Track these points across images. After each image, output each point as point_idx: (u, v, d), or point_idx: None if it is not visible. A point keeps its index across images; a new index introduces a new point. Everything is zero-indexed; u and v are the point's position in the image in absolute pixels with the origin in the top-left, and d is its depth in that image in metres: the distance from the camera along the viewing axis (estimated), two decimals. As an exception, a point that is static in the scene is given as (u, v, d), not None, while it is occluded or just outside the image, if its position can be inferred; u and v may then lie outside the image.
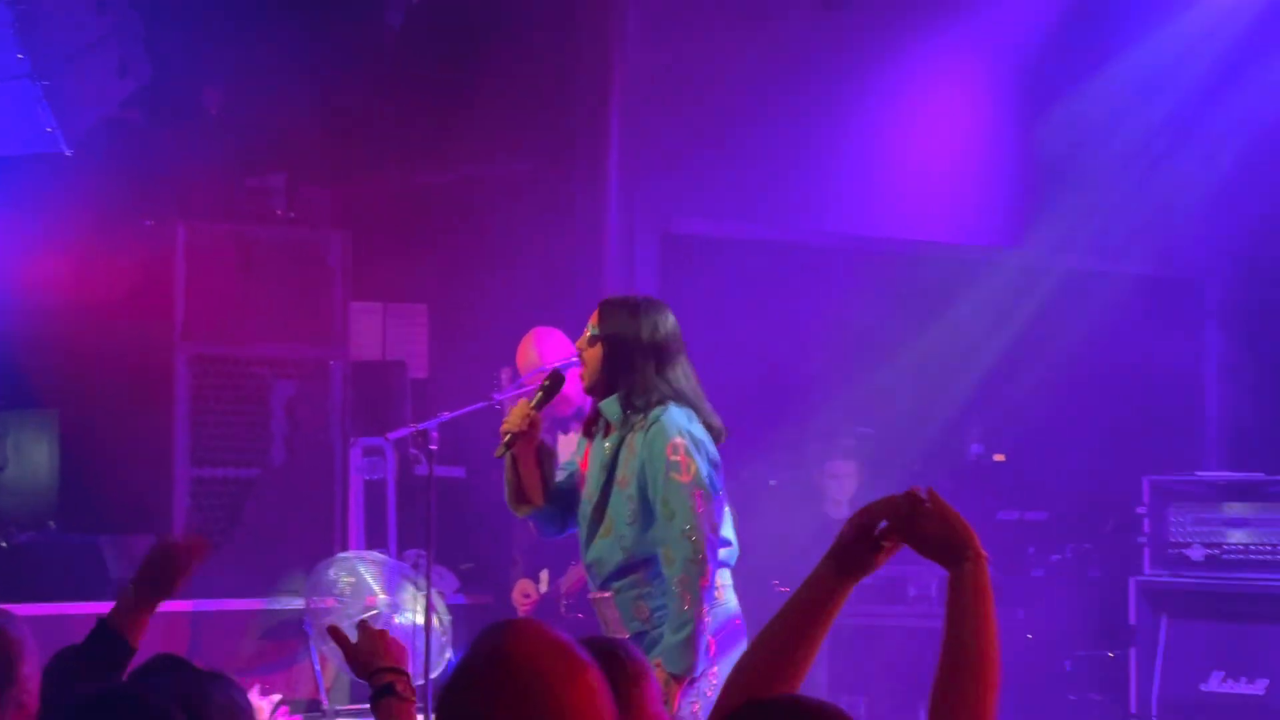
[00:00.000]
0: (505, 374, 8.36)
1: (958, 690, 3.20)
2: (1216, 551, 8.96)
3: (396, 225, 9.95)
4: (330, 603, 7.97)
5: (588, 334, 6.00)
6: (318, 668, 8.20)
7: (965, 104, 10.49)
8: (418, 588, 7.72)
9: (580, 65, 9.34)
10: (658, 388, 5.91)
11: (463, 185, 9.94)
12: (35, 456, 8.65)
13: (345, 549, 8.54)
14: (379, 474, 8.76)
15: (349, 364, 8.98)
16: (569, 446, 6.75)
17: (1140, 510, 9.17)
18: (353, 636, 3.92)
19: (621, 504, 5.91)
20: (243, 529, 8.67)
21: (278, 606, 8.44)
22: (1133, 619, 9.07)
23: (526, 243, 9.42)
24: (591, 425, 6.10)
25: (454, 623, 8.00)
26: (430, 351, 9.85)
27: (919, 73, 10.19)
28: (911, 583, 9.26)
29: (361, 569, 8.04)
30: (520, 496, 6.09)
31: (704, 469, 5.80)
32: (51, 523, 8.55)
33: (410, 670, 3.84)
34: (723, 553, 5.88)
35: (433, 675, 7.09)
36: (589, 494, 6.02)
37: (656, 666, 5.53)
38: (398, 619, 7.88)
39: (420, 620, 7.43)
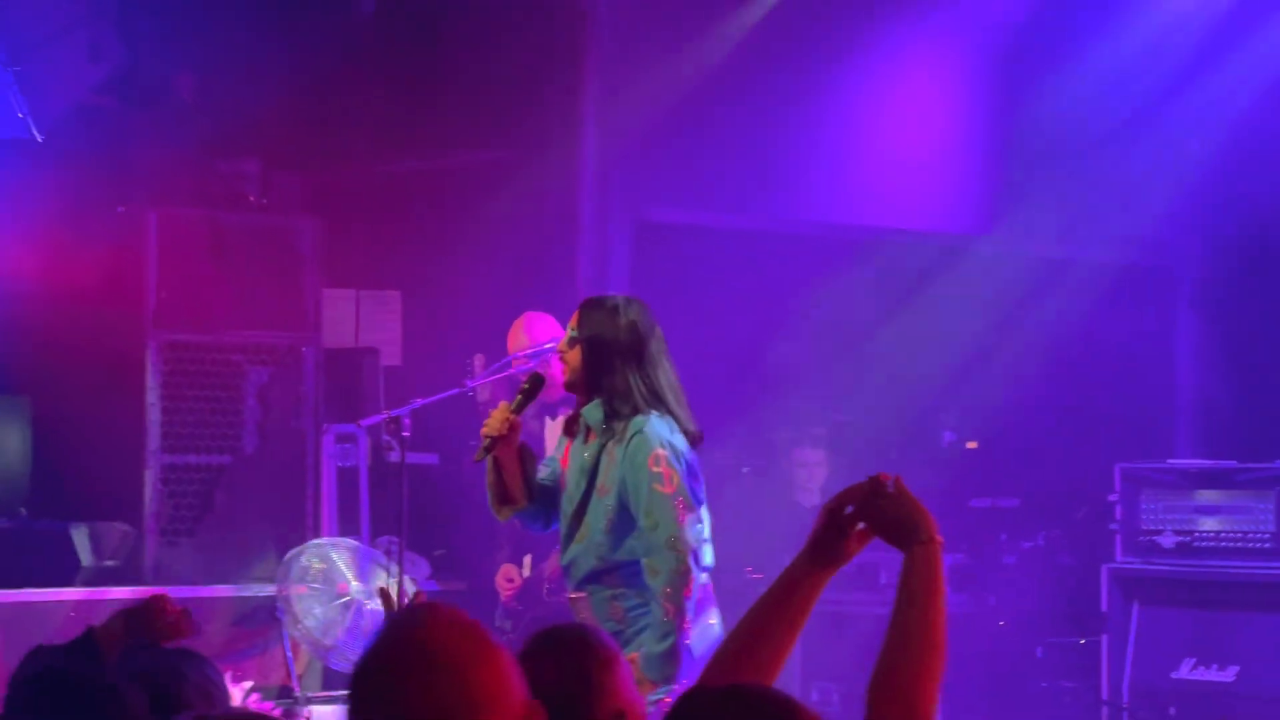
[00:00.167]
0: (478, 361, 8.36)
1: (899, 670, 3.19)
2: (1188, 539, 8.99)
3: (370, 212, 9.94)
4: (303, 589, 7.96)
5: (568, 335, 6.01)
6: (289, 654, 8.19)
7: (939, 92, 10.50)
8: (390, 574, 7.71)
9: (554, 52, 9.33)
10: (639, 392, 5.92)
11: (436, 172, 9.93)
12: (6, 443, 8.62)
13: (318, 535, 8.52)
14: (351, 461, 8.75)
15: (321, 350, 8.96)
16: (557, 432, 6.76)
17: (1112, 497, 9.20)
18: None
19: (599, 511, 5.95)
20: (215, 515, 8.65)
21: (250, 593, 8.43)
22: (1104, 606, 9.10)
23: (500, 230, 9.41)
24: (572, 424, 6.12)
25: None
26: (403, 338, 9.84)
27: (893, 61, 10.20)
28: (883, 569, 9.27)
29: (334, 555, 8.03)
30: (503, 498, 6.10)
31: (686, 480, 5.84)
32: (23, 509, 8.52)
33: None
34: (703, 577, 5.91)
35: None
36: (569, 495, 6.05)
37: (632, 662, 5.56)
38: (370, 605, 7.88)
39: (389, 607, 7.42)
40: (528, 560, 8.02)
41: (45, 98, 8.18)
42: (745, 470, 10.02)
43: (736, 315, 10.22)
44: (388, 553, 8.04)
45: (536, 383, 6.12)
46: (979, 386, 10.74)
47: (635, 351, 5.95)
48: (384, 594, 4.13)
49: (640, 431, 5.86)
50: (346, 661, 7.78)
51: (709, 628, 5.92)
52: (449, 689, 2.53)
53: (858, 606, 8.98)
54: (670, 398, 5.97)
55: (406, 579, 7.09)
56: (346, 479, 8.76)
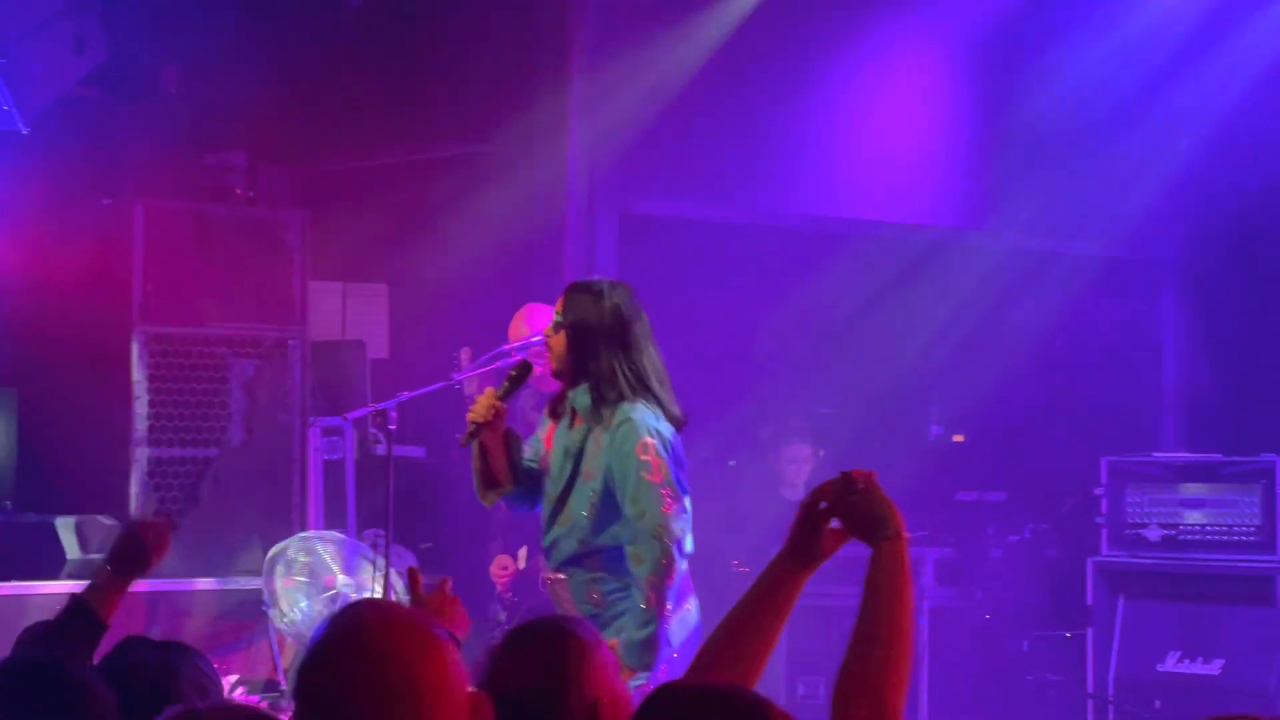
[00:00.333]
0: (465, 354, 8.35)
1: (866, 667, 3.20)
2: (1173, 532, 9.01)
3: (356, 205, 9.92)
4: (289, 582, 7.96)
5: (553, 320, 6.03)
6: (275, 648, 8.18)
7: (925, 86, 10.50)
8: (376, 567, 7.71)
9: (541, 45, 9.32)
10: (624, 377, 5.95)
11: (423, 165, 9.92)
12: (-8, 436, 8.61)
13: (304, 529, 8.52)
14: (338, 454, 8.74)
15: (308, 343, 8.95)
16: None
17: (1098, 491, 9.22)
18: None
19: (583, 496, 5.98)
20: (201, 508, 8.64)
21: (236, 586, 8.42)
22: (1090, 599, 9.11)
23: (487, 223, 9.40)
24: (557, 406, 6.14)
25: (413, 602, 7.97)
26: (390, 331, 9.83)
27: (880, 54, 10.20)
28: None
29: (320, 549, 8.03)
30: (488, 483, 6.13)
31: (672, 469, 5.88)
32: (8, 502, 8.51)
33: None
34: (683, 564, 5.93)
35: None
36: (553, 478, 6.09)
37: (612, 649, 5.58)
38: (355, 599, 7.87)
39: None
40: (523, 552, 8.02)
41: (30, 90, 8.15)
42: (731, 464, 10.03)
43: (723, 308, 10.22)
44: (374, 546, 8.03)
45: (524, 370, 6.15)
46: (965, 380, 10.75)
47: (620, 336, 5.98)
48: (412, 574, 4.16)
49: (628, 419, 5.89)
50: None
51: (687, 614, 5.96)
52: (391, 681, 2.57)
53: (843, 600, 8.94)
54: (655, 382, 6.00)
55: (393, 572, 7.09)
56: (333, 472, 8.75)
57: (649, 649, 5.76)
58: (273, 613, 7.98)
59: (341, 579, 7.97)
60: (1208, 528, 8.93)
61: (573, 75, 9.24)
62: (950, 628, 9.57)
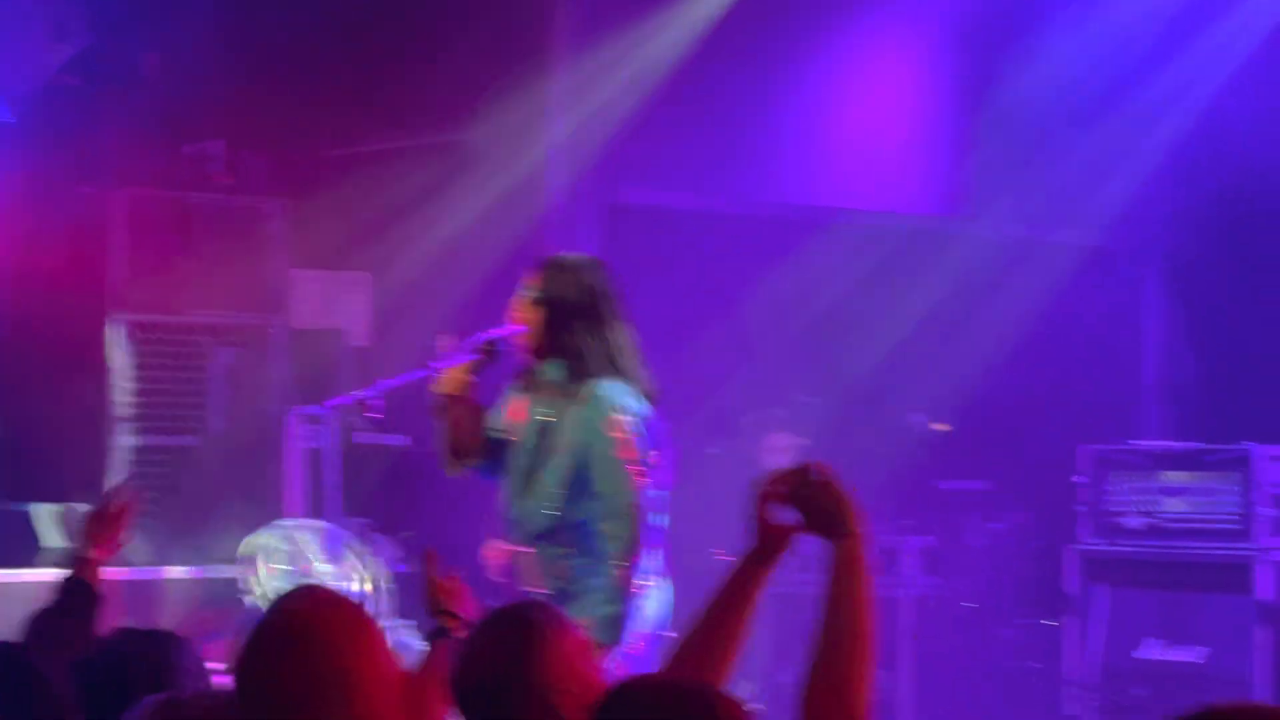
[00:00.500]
0: (445, 341, 8.33)
1: (831, 668, 3.20)
2: (1154, 520, 9.02)
3: (337, 193, 9.90)
4: (269, 570, 7.94)
5: (526, 295, 6.05)
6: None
7: (908, 74, 10.51)
8: (358, 556, 7.70)
9: (522, 33, 9.31)
10: (597, 353, 5.98)
11: (404, 153, 9.90)
12: (-29, 424, 8.59)
13: (285, 517, 8.51)
14: (319, 442, 8.73)
15: (289, 331, 8.94)
16: None
17: (1078, 479, 9.22)
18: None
19: (553, 471, 6.03)
20: (181, 497, 8.63)
21: (216, 574, 8.41)
22: (1070, 587, 9.13)
23: (468, 211, 9.39)
24: (527, 379, 6.17)
25: (395, 591, 7.98)
26: (371, 319, 9.82)
27: (863, 43, 10.21)
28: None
29: (300, 537, 8.02)
30: (455, 453, 6.19)
31: (644, 447, 5.92)
32: (-12, 490, 8.50)
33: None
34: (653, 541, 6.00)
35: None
36: (520, 451, 6.12)
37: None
38: (336, 587, 7.87)
39: (359, 588, 7.42)
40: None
41: (9, 78, 8.13)
42: (712, 452, 10.03)
43: (704, 296, 10.22)
44: (355, 534, 8.03)
45: (495, 345, 6.19)
46: (948, 368, 10.76)
47: (593, 312, 6.03)
48: (429, 556, 4.20)
49: (600, 396, 5.95)
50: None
51: (661, 591, 6.02)
52: (324, 666, 2.62)
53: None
54: (628, 359, 6.05)
55: (375, 560, 7.09)
56: (313, 460, 8.74)
57: (618, 624, 5.83)
58: (251, 600, 7.97)
59: (321, 567, 7.96)
60: (1187, 516, 8.94)
61: (554, 64, 9.23)
62: (932, 616, 9.59)
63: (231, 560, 8.33)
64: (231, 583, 8.23)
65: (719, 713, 2.97)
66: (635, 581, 5.86)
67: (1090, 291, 10.87)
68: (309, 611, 2.65)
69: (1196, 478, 8.95)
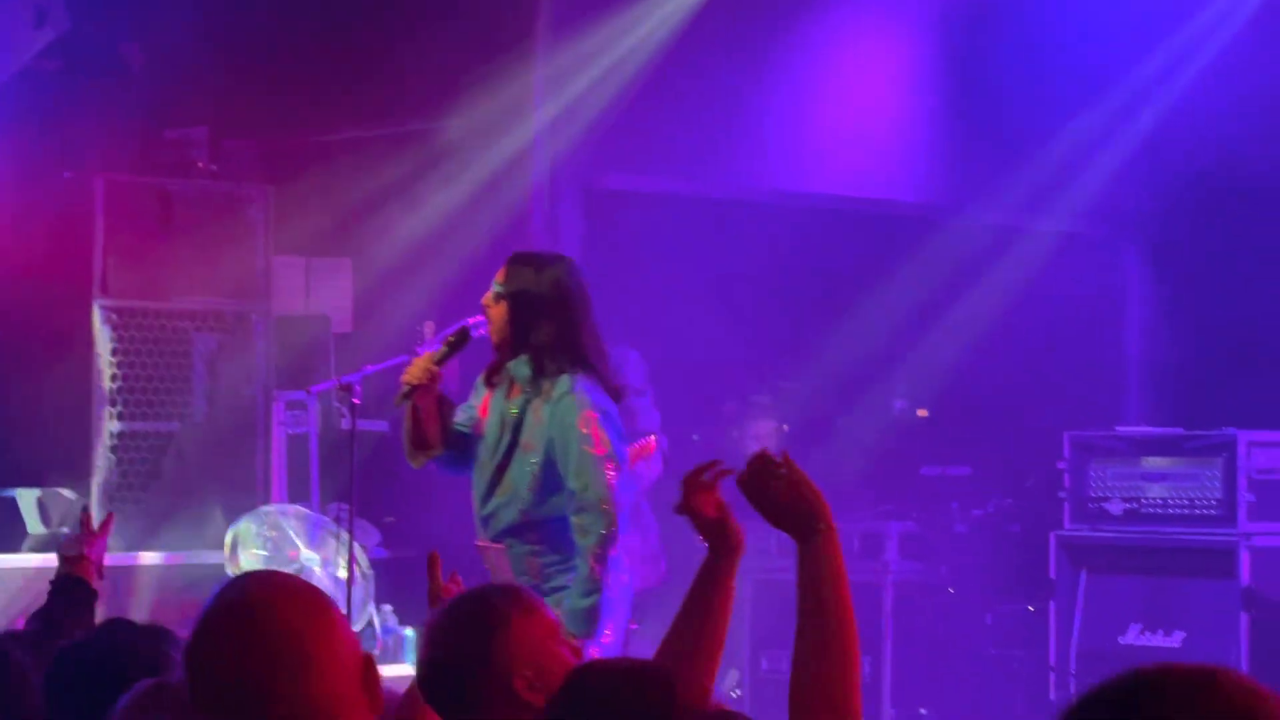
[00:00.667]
0: (428, 327, 8.34)
1: (820, 674, 3.16)
2: (1135, 506, 9.04)
3: (320, 179, 9.89)
4: (253, 556, 7.94)
5: (494, 291, 6.08)
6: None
7: (891, 60, 10.51)
8: (340, 542, 7.70)
9: (504, 19, 9.30)
10: (564, 349, 6.02)
11: (387, 139, 9.89)
12: (-46, 411, 8.58)
13: (268, 503, 8.50)
14: (302, 428, 8.73)
15: (271, 318, 8.93)
16: None
17: (1061, 465, 9.24)
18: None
19: (523, 467, 6.06)
20: (164, 483, 8.62)
21: (199, 560, 8.40)
22: (1053, 573, 9.14)
23: (450, 198, 9.38)
24: (494, 375, 6.18)
25: (376, 577, 7.99)
26: (354, 305, 9.81)
27: (846, 28, 10.20)
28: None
29: (284, 523, 8.02)
30: (419, 444, 6.21)
31: (615, 441, 5.96)
32: (-31, 477, 8.49)
33: None
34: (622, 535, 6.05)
35: (355, 630, 7.07)
36: (489, 446, 6.14)
37: None
38: (319, 573, 7.87)
39: (342, 574, 7.42)
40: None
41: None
42: (695, 438, 10.04)
43: (687, 282, 10.22)
44: (338, 520, 8.03)
45: (462, 336, 6.21)
46: (930, 354, 10.77)
47: (560, 308, 6.05)
48: (432, 559, 4.21)
49: (569, 392, 5.98)
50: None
51: (628, 586, 6.08)
52: (278, 649, 2.57)
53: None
54: (594, 355, 6.09)
55: (357, 546, 7.10)
56: (296, 446, 8.74)
57: (592, 617, 5.87)
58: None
59: (305, 553, 7.96)
60: (1170, 501, 8.95)
61: (537, 50, 9.22)
62: (914, 601, 9.60)
63: (214, 546, 8.34)
64: (214, 568, 8.23)
65: (676, 695, 2.97)
66: (609, 574, 5.91)
67: (1072, 277, 10.88)
68: (260, 594, 2.62)
69: (1178, 463, 8.96)
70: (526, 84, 9.24)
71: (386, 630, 7.98)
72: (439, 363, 6.13)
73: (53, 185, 8.69)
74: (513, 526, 6.07)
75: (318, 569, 7.90)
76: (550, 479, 6.00)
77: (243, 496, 8.62)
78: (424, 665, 3.45)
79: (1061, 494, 9.20)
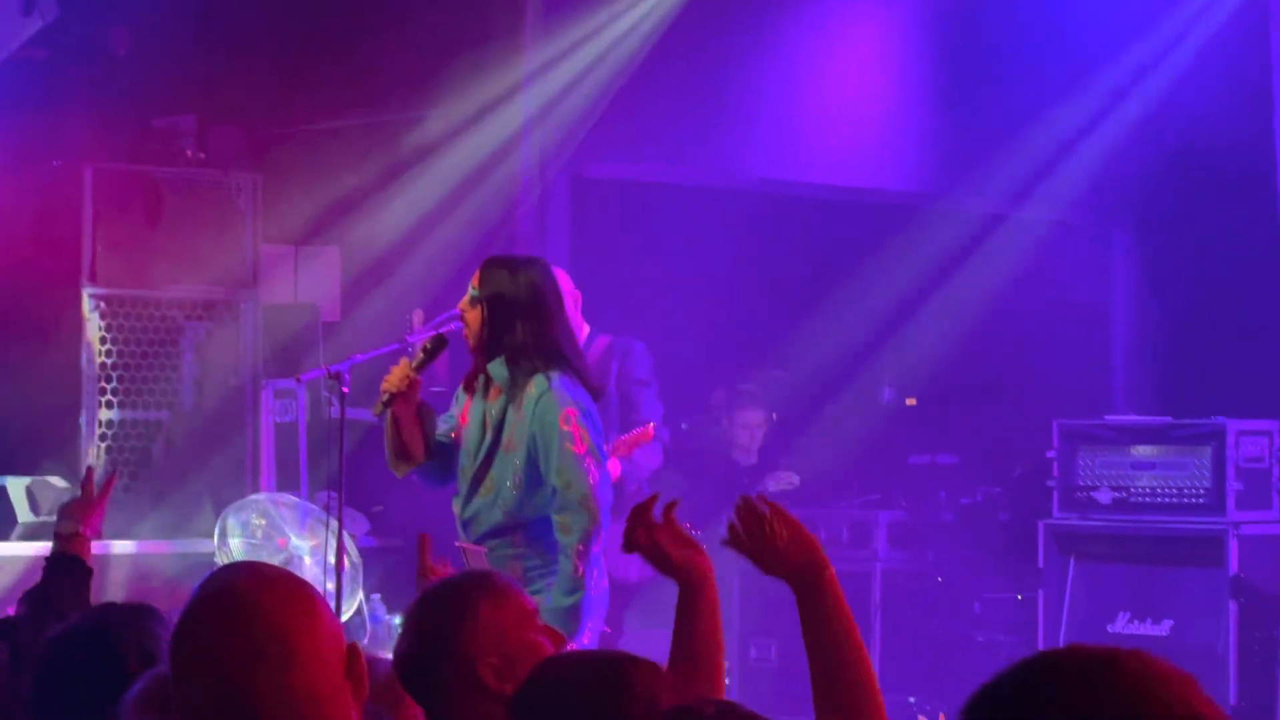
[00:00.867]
0: (417, 316, 8.34)
1: (839, 701, 3.16)
2: (1124, 494, 9.04)
3: (308, 167, 9.89)
4: (242, 544, 7.94)
5: (469, 295, 6.10)
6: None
7: (880, 49, 10.50)
8: (329, 530, 7.70)
9: (493, 8, 9.29)
10: (540, 349, 6.05)
11: (375, 128, 9.89)
12: (-59, 399, 8.57)
13: (257, 491, 8.50)
14: (290, 416, 8.73)
15: (260, 306, 8.92)
16: None
17: (1049, 454, 9.24)
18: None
19: (505, 468, 6.08)
20: (153, 471, 8.62)
21: (189, 549, 8.41)
22: (1041, 562, 9.14)
23: (439, 186, 9.38)
24: (472, 381, 6.20)
25: (365, 565, 7.99)
26: (342, 294, 9.81)
27: (835, 16, 10.20)
28: (820, 526, 9.31)
29: (273, 511, 8.02)
30: (401, 454, 6.24)
31: (595, 439, 5.99)
32: (-42, 464, 8.48)
33: None
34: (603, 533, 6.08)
35: (343, 619, 7.08)
36: (469, 451, 6.17)
37: None
38: (309, 561, 7.87)
39: (331, 562, 7.42)
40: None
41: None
42: (684, 427, 10.04)
43: (675, 270, 10.23)
44: (326, 508, 8.03)
45: (439, 343, 6.24)
46: (918, 343, 10.77)
47: (535, 309, 6.07)
48: (422, 541, 4.20)
49: (548, 390, 6.01)
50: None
51: (604, 586, 6.11)
52: (261, 638, 2.56)
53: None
54: (570, 354, 6.11)
55: (345, 534, 7.09)
56: (285, 434, 8.74)
57: (575, 615, 5.91)
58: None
59: (294, 541, 7.96)
60: (1158, 490, 8.96)
61: (525, 38, 9.22)
62: (902, 590, 9.61)
63: (203, 534, 8.34)
64: (204, 556, 8.24)
65: (635, 684, 2.97)
66: (591, 572, 5.94)
67: (1060, 266, 10.89)
68: (243, 584, 2.62)
69: (1167, 452, 8.97)
70: (515, 72, 9.24)
71: (375, 618, 7.98)
72: (417, 370, 6.16)
73: (41, 174, 8.67)
74: (496, 528, 6.10)
75: (307, 557, 7.90)
76: (533, 478, 6.04)
77: (232, 485, 8.62)
78: (396, 653, 3.47)
79: (1050, 482, 9.20)
